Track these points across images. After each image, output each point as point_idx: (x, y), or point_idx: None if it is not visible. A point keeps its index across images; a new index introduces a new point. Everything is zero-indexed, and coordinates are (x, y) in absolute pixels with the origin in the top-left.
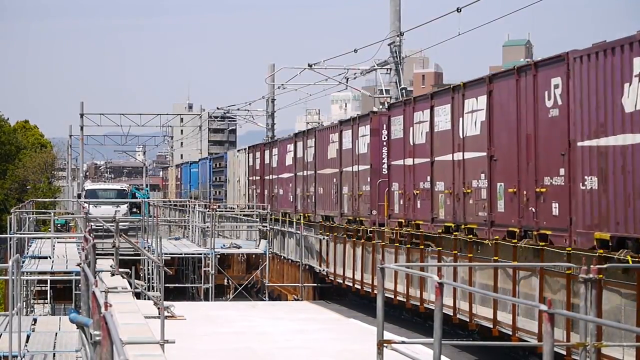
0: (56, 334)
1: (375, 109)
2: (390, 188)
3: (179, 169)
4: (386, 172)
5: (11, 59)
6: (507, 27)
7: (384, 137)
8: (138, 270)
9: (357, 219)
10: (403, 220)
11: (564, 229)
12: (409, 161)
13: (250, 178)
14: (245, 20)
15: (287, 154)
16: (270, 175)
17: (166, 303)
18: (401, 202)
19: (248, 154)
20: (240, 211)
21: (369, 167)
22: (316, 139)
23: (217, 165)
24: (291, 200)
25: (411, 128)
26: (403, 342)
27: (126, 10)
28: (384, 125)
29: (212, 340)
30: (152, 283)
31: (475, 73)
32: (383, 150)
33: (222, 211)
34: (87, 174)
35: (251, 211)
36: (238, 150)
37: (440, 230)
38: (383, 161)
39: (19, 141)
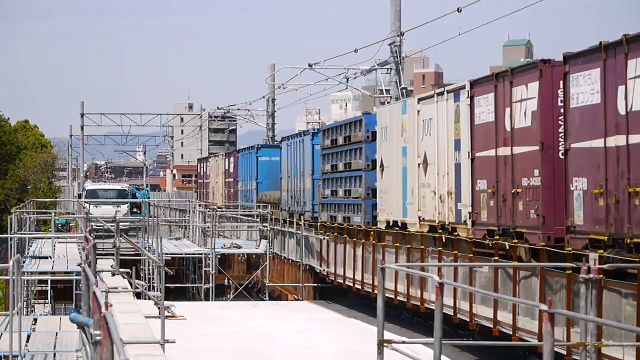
0: (56, 333)
1: None
2: None
3: (231, 158)
4: None
5: (11, 59)
6: (507, 27)
7: None
8: (138, 270)
9: None
10: None
11: None
12: None
13: (481, 154)
14: (246, 20)
15: None
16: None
17: (166, 303)
18: None
19: (464, 96)
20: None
21: None
22: None
23: (339, 142)
24: None
25: None
26: (403, 342)
27: (126, 10)
28: None
29: (212, 340)
30: (153, 283)
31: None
32: None
33: (222, 211)
34: (88, 174)
35: (250, 211)
36: (421, 99)
37: None
38: None
39: (20, 141)
